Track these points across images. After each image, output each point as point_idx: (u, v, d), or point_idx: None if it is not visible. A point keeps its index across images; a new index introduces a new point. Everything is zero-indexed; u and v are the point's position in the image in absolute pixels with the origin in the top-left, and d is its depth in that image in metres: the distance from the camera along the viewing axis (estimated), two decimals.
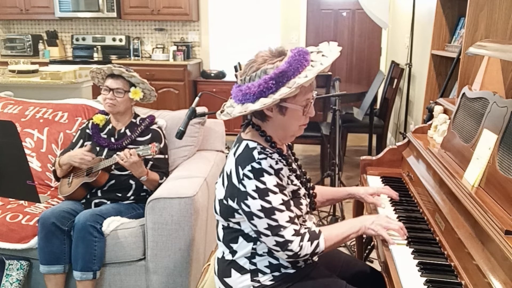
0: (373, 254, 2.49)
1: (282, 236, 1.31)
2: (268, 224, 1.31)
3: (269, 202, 1.30)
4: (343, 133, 4.19)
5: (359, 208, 2.11)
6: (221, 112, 1.41)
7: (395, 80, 4.24)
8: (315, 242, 1.35)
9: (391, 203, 1.72)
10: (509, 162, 1.21)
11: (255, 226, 1.33)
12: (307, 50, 1.31)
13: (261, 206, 1.30)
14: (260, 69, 1.28)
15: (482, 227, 1.15)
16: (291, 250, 1.32)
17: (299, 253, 1.33)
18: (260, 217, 1.31)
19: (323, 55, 1.32)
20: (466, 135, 1.53)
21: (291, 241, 1.32)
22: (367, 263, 2.00)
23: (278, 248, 1.33)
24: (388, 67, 4.86)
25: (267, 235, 1.32)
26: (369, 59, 6.05)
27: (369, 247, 2.46)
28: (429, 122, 2.09)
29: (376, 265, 1.59)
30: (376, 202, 1.66)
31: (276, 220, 1.31)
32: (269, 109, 1.34)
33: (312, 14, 6.03)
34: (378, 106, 4.95)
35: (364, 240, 2.38)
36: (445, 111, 2.01)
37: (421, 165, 1.81)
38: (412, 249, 1.36)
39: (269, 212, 1.30)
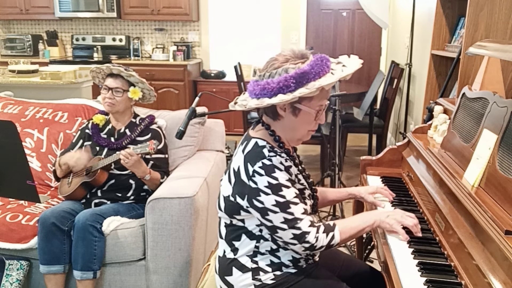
0: (373, 254, 2.49)
1: (299, 228, 1.32)
2: (284, 218, 1.31)
3: (283, 197, 1.31)
4: (343, 133, 4.19)
5: (359, 208, 2.11)
6: (235, 103, 1.42)
7: (395, 80, 4.24)
8: (331, 234, 1.35)
9: (391, 203, 1.71)
10: (509, 162, 1.21)
11: (270, 221, 1.33)
12: (329, 58, 1.34)
13: (276, 201, 1.31)
14: (282, 67, 1.30)
15: (482, 227, 1.16)
16: (308, 242, 1.32)
17: (315, 244, 1.33)
18: (275, 212, 1.31)
19: (343, 65, 1.34)
20: (466, 135, 1.54)
21: (308, 232, 1.32)
22: (367, 263, 2.00)
23: (295, 241, 1.33)
24: (388, 67, 4.86)
25: (283, 229, 1.32)
26: (369, 59, 6.04)
27: (369, 247, 2.46)
28: (429, 122, 2.09)
29: (376, 265, 1.59)
30: (376, 203, 1.67)
31: (292, 213, 1.31)
32: (282, 108, 1.36)
33: (312, 14, 6.03)
34: (378, 106, 4.94)
35: (364, 240, 2.38)
36: (445, 111, 2.01)
37: (421, 165, 1.81)
38: (412, 249, 1.36)
39: (284, 206, 1.31)
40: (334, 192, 1.74)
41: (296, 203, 1.33)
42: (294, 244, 1.34)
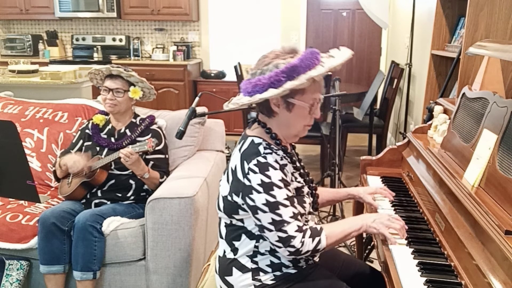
0: (373, 254, 2.49)
1: (285, 232, 1.31)
2: (272, 218, 1.31)
3: (274, 197, 1.31)
4: (343, 133, 4.19)
5: (359, 208, 2.11)
6: (229, 103, 1.43)
7: (395, 80, 4.24)
8: (317, 239, 1.35)
9: (391, 203, 1.71)
10: (509, 162, 1.21)
11: (259, 220, 1.33)
12: (318, 51, 1.35)
13: (266, 200, 1.31)
14: (272, 63, 1.31)
15: (482, 227, 1.15)
16: (293, 246, 1.32)
17: (300, 249, 1.33)
18: (264, 211, 1.31)
19: (332, 56, 1.35)
20: (466, 135, 1.53)
21: (293, 237, 1.32)
22: (367, 263, 2.00)
23: (280, 244, 1.33)
24: (388, 67, 4.86)
25: (270, 230, 1.32)
26: (369, 59, 6.04)
27: (369, 247, 2.46)
28: (429, 122, 2.09)
29: (376, 265, 1.59)
30: (374, 204, 1.66)
31: (280, 215, 1.31)
32: (276, 104, 1.36)
33: (312, 14, 6.03)
34: (378, 106, 4.94)
35: (364, 240, 2.38)
36: (445, 111, 2.01)
37: (421, 165, 1.81)
38: (412, 249, 1.36)
39: (273, 206, 1.31)
40: (333, 192, 1.74)
41: (286, 205, 1.32)
42: (279, 247, 1.34)
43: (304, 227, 1.35)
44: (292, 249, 1.33)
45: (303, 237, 1.33)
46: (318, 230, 1.37)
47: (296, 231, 1.32)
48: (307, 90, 1.34)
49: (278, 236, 1.32)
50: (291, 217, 1.33)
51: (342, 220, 1.50)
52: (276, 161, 1.34)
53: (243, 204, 1.36)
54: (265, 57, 1.35)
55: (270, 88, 1.28)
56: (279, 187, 1.32)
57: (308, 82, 1.28)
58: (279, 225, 1.31)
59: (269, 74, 1.29)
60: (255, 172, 1.32)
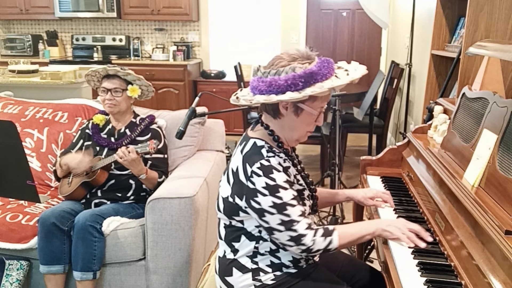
0: (373, 254, 2.49)
1: (295, 230, 1.32)
2: (281, 219, 1.31)
3: (280, 198, 1.31)
4: (343, 133, 4.19)
5: (359, 208, 2.11)
6: (237, 98, 1.41)
7: (395, 80, 4.24)
8: (328, 239, 1.35)
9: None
10: (509, 162, 1.21)
11: (267, 222, 1.33)
12: (333, 61, 1.35)
13: (273, 202, 1.31)
14: (289, 66, 1.30)
15: (482, 227, 1.15)
16: (304, 244, 1.32)
17: (311, 247, 1.33)
18: (272, 213, 1.31)
19: (345, 70, 1.36)
20: (466, 135, 1.53)
21: (304, 235, 1.32)
22: (367, 263, 2.00)
23: (292, 243, 1.33)
24: (388, 67, 4.86)
25: (280, 231, 1.32)
26: (369, 59, 6.04)
27: (369, 247, 2.46)
28: (429, 122, 2.09)
29: (376, 265, 1.59)
30: (377, 204, 1.67)
31: (288, 215, 1.31)
32: (285, 107, 1.36)
33: (312, 14, 6.03)
34: (378, 106, 4.94)
35: None
36: (445, 111, 2.01)
37: (421, 165, 1.81)
38: (412, 249, 1.36)
39: (281, 207, 1.31)
40: (332, 193, 1.74)
41: (293, 205, 1.32)
42: (291, 246, 1.34)
43: (315, 226, 1.36)
44: (303, 247, 1.33)
45: (314, 235, 1.33)
46: (330, 230, 1.37)
47: (306, 229, 1.32)
48: (318, 98, 1.34)
49: (289, 236, 1.32)
50: (299, 215, 1.33)
51: (356, 222, 1.50)
52: (279, 163, 1.34)
53: (246, 207, 1.36)
54: (280, 58, 1.34)
55: (288, 91, 1.27)
56: (285, 188, 1.32)
57: (328, 91, 1.28)
58: (288, 225, 1.31)
59: (286, 76, 1.28)
60: (259, 175, 1.31)
